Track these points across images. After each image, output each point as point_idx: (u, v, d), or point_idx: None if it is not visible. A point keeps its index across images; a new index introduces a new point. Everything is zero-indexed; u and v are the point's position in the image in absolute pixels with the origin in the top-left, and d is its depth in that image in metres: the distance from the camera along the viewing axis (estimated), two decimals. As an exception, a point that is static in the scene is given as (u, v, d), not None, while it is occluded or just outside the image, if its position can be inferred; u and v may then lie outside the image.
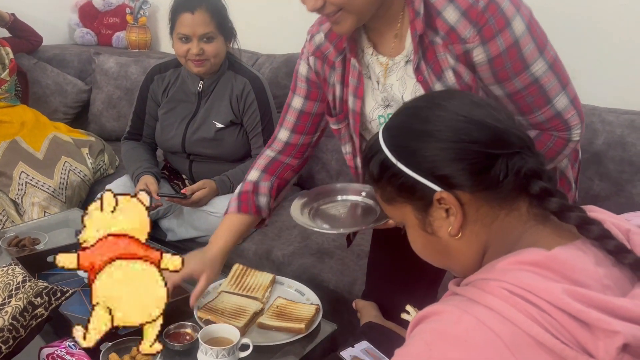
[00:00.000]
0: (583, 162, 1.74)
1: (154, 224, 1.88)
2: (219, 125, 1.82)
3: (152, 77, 1.93)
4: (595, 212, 0.74)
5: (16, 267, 1.12)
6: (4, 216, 1.95)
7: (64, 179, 2.05)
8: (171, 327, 1.17)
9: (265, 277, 1.40)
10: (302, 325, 1.21)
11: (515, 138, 0.70)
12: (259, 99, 1.81)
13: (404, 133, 0.74)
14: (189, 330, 1.18)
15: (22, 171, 2.00)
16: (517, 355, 0.58)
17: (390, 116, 0.79)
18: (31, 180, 1.99)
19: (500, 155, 0.68)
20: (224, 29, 1.80)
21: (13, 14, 2.55)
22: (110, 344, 1.06)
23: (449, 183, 0.69)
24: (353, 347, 1.07)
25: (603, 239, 0.66)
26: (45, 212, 1.96)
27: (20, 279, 1.07)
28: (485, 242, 0.72)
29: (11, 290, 1.05)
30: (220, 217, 1.73)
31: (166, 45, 2.96)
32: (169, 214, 1.87)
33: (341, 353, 1.05)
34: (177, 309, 1.23)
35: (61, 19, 3.03)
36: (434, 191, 0.70)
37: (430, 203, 0.71)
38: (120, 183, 1.88)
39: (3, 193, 1.98)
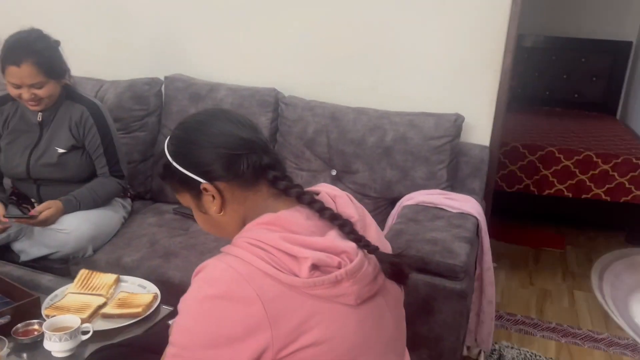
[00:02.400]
0: (377, 156, 2.17)
1: (6, 247, 2.00)
2: (61, 150, 1.97)
3: (-10, 111, 2.03)
4: (321, 186, 1.08)
5: None
6: None
7: None
8: (19, 325, 1.35)
9: (109, 277, 1.61)
10: (139, 309, 1.44)
11: (253, 143, 1.00)
12: (97, 123, 2.00)
13: (180, 142, 1.02)
14: (36, 327, 1.36)
15: None
16: (251, 283, 0.87)
17: None
18: None
19: (242, 155, 0.98)
20: (55, 73, 1.89)
21: None
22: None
23: (210, 176, 0.98)
24: (180, 318, 1.32)
25: (312, 203, 0.98)
26: None
27: None
28: (243, 215, 1.01)
29: None
30: (68, 233, 1.91)
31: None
32: (20, 236, 1.98)
33: (169, 321, 1.30)
34: (26, 310, 1.41)
35: None
36: (200, 183, 0.99)
37: (200, 192, 1.00)
38: (-32, 211, 1.96)
39: None
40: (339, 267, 0.90)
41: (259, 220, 0.96)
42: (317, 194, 1.02)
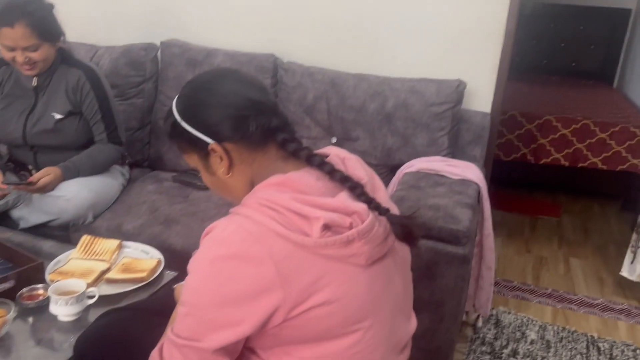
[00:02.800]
0: (377, 123, 2.15)
1: (5, 215, 1.98)
2: (58, 116, 1.94)
3: (-17, 75, 1.99)
4: (330, 149, 1.07)
5: None
6: None
7: None
8: (24, 290, 1.34)
9: (111, 243, 1.61)
10: (144, 274, 1.44)
11: (262, 104, 0.98)
12: (95, 88, 1.96)
13: (188, 101, 1.00)
14: (41, 292, 1.36)
15: None
16: (262, 242, 0.86)
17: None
18: None
19: (250, 116, 0.97)
20: (49, 35, 1.85)
21: None
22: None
23: (218, 137, 0.97)
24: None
25: (321, 165, 0.97)
26: None
27: None
28: (251, 177, 1.00)
29: None
30: (68, 200, 1.89)
31: None
32: (19, 204, 1.97)
33: (174, 286, 1.30)
34: (30, 275, 1.40)
35: None
36: (208, 143, 0.97)
37: (208, 152, 0.98)
38: (-36, 178, 1.93)
39: None
40: (350, 227, 0.89)
41: (268, 181, 0.95)
42: (327, 156, 1.01)
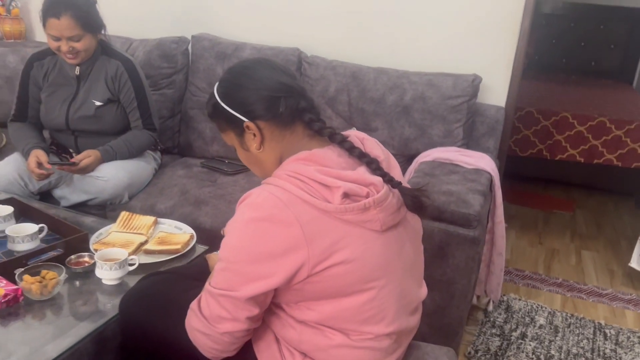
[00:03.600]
0: (396, 114, 2.26)
1: (47, 194, 2.14)
2: (98, 103, 2.10)
3: (31, 64, 2.15)
4: (349, 132, 1.19)
5: None
6: None
7: None
8: (72, 257, 1.49)
9: (148, 219, 1.75)
10: (178, 246, 1.58)
11: (292, 88, 1.11)
12: (132, 78, 2.11)
13: (228, 85, 1.13)
14: (87, 259, 1.50)
15: None
16: (291, 208, 0.99)
17: None
18: None
19: (281, 97, 1.09)
20: (92, 27, 2.01)
21: None
22: (23, 269, 1.36)
23: (252, 115, 1.10)
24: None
25: (342, 143, 1.09)
26: None
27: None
28: (280, 152, 1.13)
29: None
30: (107, 180, 2.04)
31: (41, 35, 3.09)
32: (60, 184, 2.13)
33: (206, 255, 1.44)
34: (76, 244, 1.55)
35: None
36: (244, 121, 1.10)
37: (243, 130, 1.11)
38: (12, 159, 2.09)
39: None
40: (367, 196, 1.01)
41: (295, 156, 1.07)
42: (348, 136, 1.13)
